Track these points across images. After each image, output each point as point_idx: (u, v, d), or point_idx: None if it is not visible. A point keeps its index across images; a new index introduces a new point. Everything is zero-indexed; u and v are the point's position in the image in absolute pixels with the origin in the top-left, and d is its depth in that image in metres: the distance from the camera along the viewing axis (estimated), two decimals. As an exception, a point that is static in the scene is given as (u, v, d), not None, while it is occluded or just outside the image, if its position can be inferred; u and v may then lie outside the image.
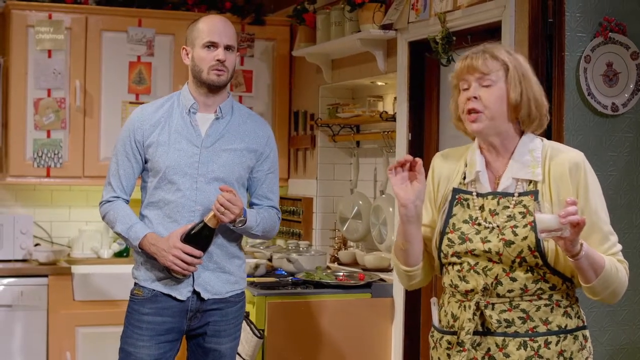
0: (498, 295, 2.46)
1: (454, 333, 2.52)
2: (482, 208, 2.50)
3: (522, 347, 2.44)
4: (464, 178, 2.57)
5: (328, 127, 5.31)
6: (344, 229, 5.15)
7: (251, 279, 4.50)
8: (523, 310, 2.45)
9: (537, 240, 2.40)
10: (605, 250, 2.47)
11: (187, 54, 3.35)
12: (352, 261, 5.09)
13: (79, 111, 5.28)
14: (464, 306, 2.50)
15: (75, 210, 5.65)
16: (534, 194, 2.46)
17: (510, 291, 2.45)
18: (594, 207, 2.46)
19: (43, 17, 5.21)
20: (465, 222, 2.50)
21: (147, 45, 5.37)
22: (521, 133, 2.53)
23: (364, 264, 4.93)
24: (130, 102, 5.35)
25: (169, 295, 3.28)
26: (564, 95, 3.41)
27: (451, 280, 2.54)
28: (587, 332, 2.56)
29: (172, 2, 5.59)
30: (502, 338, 2.46)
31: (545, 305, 2.47)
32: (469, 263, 2.48)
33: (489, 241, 2.45)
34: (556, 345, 2.46)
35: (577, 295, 2.57)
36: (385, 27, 4.51)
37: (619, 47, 3.49)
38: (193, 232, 3.20)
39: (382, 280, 4.59)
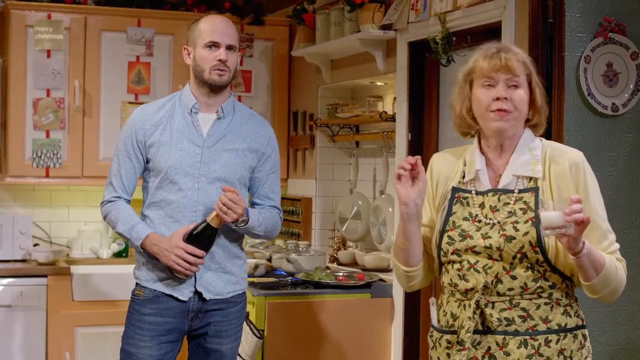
0: (498, 294, 2.46)
1: (453, 332, 2.52)
2: (482, 205, 2.51)
3: (522, 346, 2.45)
4: (463, 177, 2.59)
5: (327, 127, 5.31)
6: (344, 229, 5.15)
7: (251, 279, 4.50)
8: (523, 309, 2.46)
9: (538, 236, 2.42)
10: (603, 248, 2.49)
11: (189, 54, 3.34)
12: (351, 261, 5.09)
13: (78, 111, 5.27)
14: (464, 305, 2.51)
15: (74, 210, 5.65)
16: (534, 190, 2.48)
17: (510, 289, 2.46)
18: (593, 205, 2.49)
19: (42, 17, 5.21)
20: (465, 219, 2.51)
21: (146, 45, 5.37)
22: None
23: (363, 264, 4.93)
24: (130, 102, 5.35)
25: (171, 296, 3.28)
26: (564, 95, 3.41)
27: (451, 279, 2.54)
28: (586, 332, 2.57)
29: (171, 2, 5.59)
30: (502, 337, 2.46)
31: (545, 303, 2.48)
32: (468, 261, 2.49)
33: (490, 237, 2.46)
34: (556, 343, 2.47)
35: (576, 295, 2.58)
36: (385, 27, 4.51)
37: (618, 48, 3.50)
38: (195, 232, 3.20)
39: (381, 280, 4.59)
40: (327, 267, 5.01)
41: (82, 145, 5.29)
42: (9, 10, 5.20)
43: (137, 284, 3.35)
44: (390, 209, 4.67)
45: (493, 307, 2.47)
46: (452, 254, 2.52)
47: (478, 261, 2.48)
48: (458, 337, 2.49)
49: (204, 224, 3.20)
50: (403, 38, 4.42)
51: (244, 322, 3.96)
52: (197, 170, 3.27)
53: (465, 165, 2.60)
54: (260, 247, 5.20)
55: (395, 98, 4.63)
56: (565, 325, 2.50)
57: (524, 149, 2.53)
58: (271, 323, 4.27)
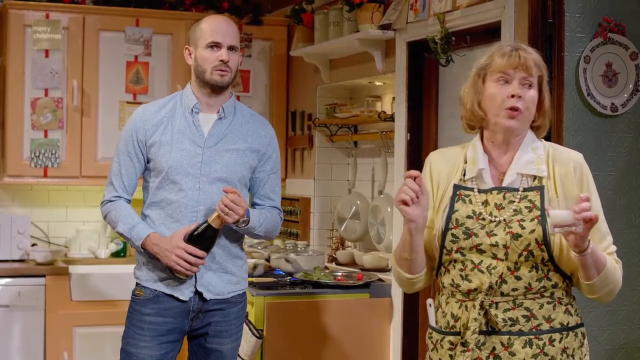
0: (502, 294, 2.47)
1: (455, 334, 2.51)
2: (485, 203, 2.51)
3: (527, 345, 2.46)
4: (464, 175, 2.57)
5: (326, 127, 5.31)
6: (342, 229, 5.15)
7: (250, 279, 4.47)
8: (527, 309, 2.47)
9: (545, 234, 2.43)
10: (603, 249, 2.50)
11: (190, 54, 3.34)
12: (350, 261, 5.09)
13: (76, 111, 5.27)
14: (465, 306, 2.50)
15: (72, 210, 5.65)
16: (540, 189, 2.49)
17: (514, 289, 2.46)
18: (596, 206, 2.51)
19: (40, 17, 5.20)
20: (469, 217, 2.50)
21: (145, 45, 5.37)
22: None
23: (362, 264, 4.93)
24: (128, 102, 5.35)
25: (171, 296, 3.28)
26: (563, 95, 3.42)
27: (452, 280, 2.53)
28: (584, 330, 2.58)
29: (169, 2, 5.58)
30: (507, 337, 2.46)
31: (548, 303, 2.49)
32: (472, 261, 2.48)
33: (496, 235, 2.46)
34: (559, 342, 2.48)
35: (573, 294, 2.59)
36: (384, 27, 4.51)
37: (618, 48, 3.50)
38: (196, 232, 3.20)
39: (380, 280, 4.59)
40: (326, 267, 5.01)
41: (80, 145, 5.28)
42: (7, 9, 5.20)
43: (137, 284, 3.35)
44: (389, 209, 4.67)
45: (497, 308, 2.47)
46: (456, 252, 2.51)
47: (482, 261, 2.47)
48: (462, 338, 2.49)
49: (205, 225, 3.20)
50: (402, 38, 4.42)
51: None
52: (198, 170, 3.27)
53: (466, 162, 2.59)
54: (259, 247, 5.20)
55: (394, 98, 4.63)
56: (567, 324, 2.51)
57: (528, 148, 2.54)
58: (270, 323, 4.27)
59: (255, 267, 4.73)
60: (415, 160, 4.40)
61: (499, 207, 2.49)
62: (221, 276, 3.32)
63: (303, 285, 4.50)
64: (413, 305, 4.44)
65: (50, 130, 5.22)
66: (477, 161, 2.55)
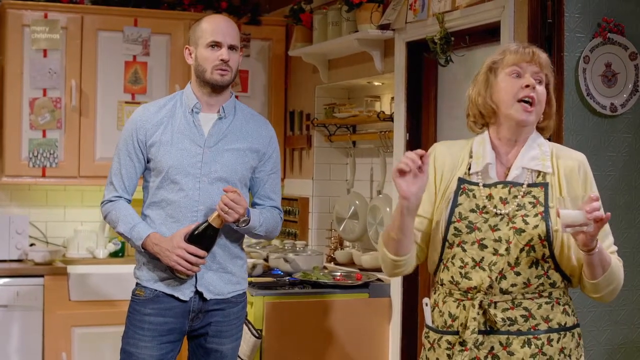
0: (501, 292, 2.47)
1: (454, 333, 2.51)
2: (489, 197, 2.50)
3: (526, 345, 2.47)
4: (469, 169, 2.57)
5: (324, 127, 5.31)
6: (341, 229, 5.15)
7: (249, 279, 4.47)
8: (525, 309, 2.48)
9: (547, 230, 2.45)
10: (604, 248, 2.50)
11: (190, 54, 3.34)
12: (348, 261, 5.09)
13: (74, 111, 5.26)
14: (463, 305, 2.50)
15: (70, 210, 5.64)
16: (544, 186, 2.50)
17: (513, 285, 2.47)
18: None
19: (39, 17, 5.20)
20: (472, 211, 2.50)
21: (143, 45, 5.36)
22: None
23: (360, 264, 4.93)
24: (126, 102, 5.34)
25: (172, 296, 3.28)
26: (563, 95, 3.42)
27: (452, 277, 2.53)
28: (580, 330, 2.59)
29: (168, 2, 5.58)
30: (505, 336, 2.47)
31: (546, 302, 2.49)
32: (473, 259, 2.48)
33: (499, 229, 2.46)
34: (557, 342, 2.50)
35: (570, 295, 2.60)
36: (383, 27, 4.51)
37: (617, 48, 3.51)
38: (197, 232, 3.20)
39: (379, 280, 4.59)
40: (325, 267, 5.01)
41: (78, 145, 5.27)
42: (6, 9, 5.19)
43: (137, 284, 3.35)
44: (388, 209, 4.67)
45: (495, 307, 2.47)
46: (458, 246, 2.50)
47: (483, 258, 2.48)
48: (460, 337, 2.49)
49: (205, 224, 3.20)
50: (401, 38, 4.42)
51: (243, 322, 3.96)
52: (199, 170, 3.27)
53: (471, 157, 2.58)
54: (257, 247, 5.19)
55: (392, 98, 4.63)
56: (565, 324, 2.52)
57: (534, 144, 2.55)
58: (269, 323, 4.27)
59: (254, 267, 4.73)
60: (415, 160, 4.39)
61: (503, 201, 2.49)
62: (221, 276, 3.32)
63: (302, 285, 4.50)
64: (412, 305, 4.45)
65: (48, 130, 5.21)
66: (485, 155, 2.55)
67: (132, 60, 5.36)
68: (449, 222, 2.51)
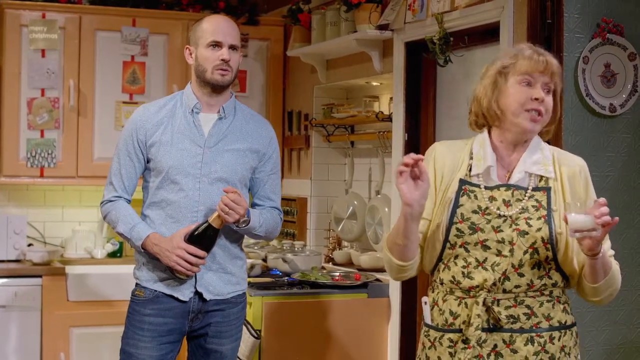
0: (504, 291, 2.47)
1: (455, 331, 2.51)
2: (492, 199, 2.50)
3: (529, 343, 2.47)
4: (470, 170, 2.57)
5: (322, 127, 5.31)
6: (339, 229, 5.15)
7: (247, 279, 4.49)
8: (527, 306, 2.48)
9: (551, 234, 2.45)
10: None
11: (191, 54, 3.33)
12: (347, 261, 5.09)
13: (72, 111, 5.26)
14: (465, 303, 2.50)
15: (68, 210, 5.63)
16: (547, 190, 2.51)
17: (517, 286, 2.47)
18: None
19: (37, 17, 5.19)
20: (474, 212, 2.50)
21: (141, 45, 5.36)
22: None
23: (359, 264, 4.93)
24: (124, 102, 5.34)
25: (171, 296, 3.27)
26: (562, 96, 3.42)
27: (453, 277, 2.53)
28: (577, 329, 2.61)
29: (166, 2, 5.58)
30: (509, 334, 2.48)
31: (547, 301, 2.51)
32: (476, 259, 2.48)
33: (502, 231, 2.47)
34: (559, 340, 2.51)
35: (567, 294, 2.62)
36: (382, 27, 4.51)
37: (616, 48, 3.51)
38: (197, 232, 3.19)
39: (378, 280, 4.59)
40: (323, 267, 5.01)
41: (76, 145, 5.27)
42: (4, 9, 5.18)
43: (137, 284, 3.34)
44: (387, 209, 4.68)
45: (498, 305, 2.48)
46: (460, 247, 2.50)
47: (486, 258, 2.48)
48: (463, 335, 2.49)
49: (205, 225, 3.19)
50: (400, 38, 4.42)
51: (241, 322, 3.96)
52: (199, 170, 3.27)
53: (471, 158, 2.58)
54: (256, 247, 5.19)
55: (391, 98, 4.63)
56: (565, 322, 2.54)
57: (536, 148, 2.56)
58: (268, 323, 4.27)
59: (252, 267, 4.73)
60: (413, 161, 4.40)
61: (507, 203, 2.50)
62: (221, 276, 3.31)
63: (301, 286, 4.50)
64: (411, 305, 4.45)
65: (46, 130, 5.21)
66: (486, 158, 2.54)
67: (130, 60, 5.36)
68: (451, 223, 2.51)
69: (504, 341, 2.48)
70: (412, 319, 4.45)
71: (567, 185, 2.53)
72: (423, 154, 4.26)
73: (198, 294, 3.28)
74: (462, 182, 2.55)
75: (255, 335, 4.13)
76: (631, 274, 3.46)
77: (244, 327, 4.03)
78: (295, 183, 5.55)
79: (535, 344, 2.47)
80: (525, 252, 2.46)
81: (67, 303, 5.01)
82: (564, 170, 2.55)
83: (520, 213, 2.48)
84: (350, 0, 4.58)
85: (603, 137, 3.49)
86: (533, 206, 2.49)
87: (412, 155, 2.41)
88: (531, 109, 2.48)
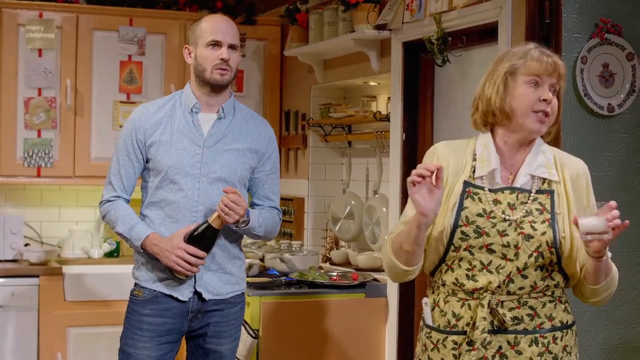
0: (508, 293, 2.47)
1: (460, 333, 2.50)
2: (496, 202, 2.50)
3: (533, 344, 2.48)
4: (473, 172, 2.55)
5: (320, 127, 5.31)
6: (337, 229, 5.15)
7: (245, 279, 4.49)
8: (531, 307, 2.49)
9: (555, 237, 2.46)
10: None
11: (190, 53, 3.33)
12: (344, 261, 5.09)
13: (69, 110, 5.25)
14: (468, 305, 2.50)
15: (65, 210, 5.63)
16: (550, 193, 2.51)
17: (521, 288, 2.48)
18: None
19: (34, 16, 5.18)
20: (479, 215, 2.49)
21: (138, 44, 5.35)
22: None
23: (356, 264, 4.93)
24: (121, 102, 5.33)
25: (170, 296, 3.27)
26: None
27: (456, 279, 2.52)
28: (576, 328, 2.62)
29: (163, 2, 5.57)
30: (513, 335, 2.48)
31: (550, 301, 2.51)
32: (481, 262, 2.48)
33: (507, 234, 2.46)
34: (561, 340, 2.52)
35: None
36: (380, 27, 4.51)
37: (614, 48, 3.52)
38: (196, 232, 3.19)
39: (375, 280, 4.59)
40: (320, 267, 5.01)
41: (73, 145, 5.26)
42: (1, 8, 5.17)
43: (136, 284, 3.34)
44: (384, 209, 4.68)
45: (502, 307, 2.48)
46: (465, 250, 2.49)
47: (491, 261, 2.47)
48: (468, 337, 2.48)
49: (205, 225, 3.19)
50: (397, 38, 4.42)
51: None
52: (198, 170, 3.26)
53: (474, 160, 2.56)
54: (253, 247, 5.19)
55: (389, 98, 4.64)
56: (567, 322, 2.55)
57: (538, 151, 2.56)
58: (266, 323, 4.26)
59: (250, 267, 4.72)
60: (411, 161, 4.40)
61: (511, 206, 2.49)
62: (220, 276, 3.31)
63: (298, 285, 4.50)
64: (408, 305, 4.45)
65: (43, 130, 5.20)
66: (490, 160, 2.53)
67: (128, 59, 5.35)
68: (456, 226, 2.49)
69: (508, 343, 2.48)
70: (410, 319, 4.46)
71: (570, 189, 2.53)
72: (421, 154, 4.29)
73: (197, 294, 3.28)
74: (466, 184, 2.53)
75: (253, 335, 4.13)
76: (629, 274, 3.47)
77: (242, 327, 4.03)
78: (293, 183, 5.55)
79: (540, 345, 2.48)
80: (530, 256, 2.46)
81: (64, 303, 5.01)
82: (567, 173, 2.55)
83: (524, 216, 2.48)
84: (348, 0, 4.57)
85: (601, 137, 3.50)
86: (537, 209, 2.49)
87: (427, 165, 2.39)
88: (539, 110, 2.48)
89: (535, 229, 2.46)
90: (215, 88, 3.30)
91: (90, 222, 5.57)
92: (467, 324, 2.50)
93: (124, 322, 3.32)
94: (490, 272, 2.47)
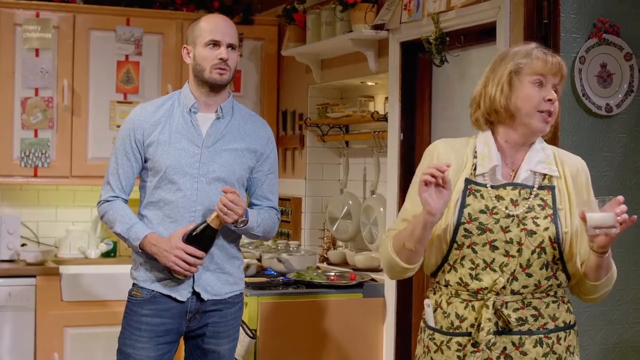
0: (512, 292, 2.47)
1: (464, 334, 2.50)
2: (498, 198, 2.50)
3: (538, 345, 2.48)
4: (474, 169, 2.55)
5: (317, 127, 5.31)
6: (334, 229, 5.15)
7: (242, 279, 4.48)
8: (535, 308, 2.49)
9: (557, 233, 2.47)
10: None
11: (189, 53, 3.33)
12: (341, 261, 5.09)
13: (66, 110, 5.24)
14: (472, 306, 2.50)
15: (62, 210, 5.62)
16: (551, 189, 2.52)
17: (525, 287, 2.47)
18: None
19: (30, 16, 5.18)
20: (482, 212, 2.49)
21: (135, 44, 5.34)
22: None
23: (354, 264, 4.93)
24: (118, 102, 5.33)
25: (169, 296, 3.26)
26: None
27: (460, 279, 2.51)
28: (577, 328, 2.63)
29: (160, 2, 5.56)
30: (518, 336, 2.48)
31: (553, 301, 2.52)
32: (484, 260, 2.48)
33: (510, 230, 2.47)
34: (564, 340, 2.53)
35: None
36: (377, 27, 4.51)
37: (613, 48, 3.52)
38: (195, 232, 3.18)
39: (373, 280, 4.59)
40: (318, 267, 5.01)
41: (70, 145, 5.26)
42: (-3, 8, 5.18)
43: (134, 285, 3.33)
44: (382, 209, 4.68)
45: (507, 307, 2.47)
46: (468, 247, 2.49)
47: (494, 259, 2.47)
48: (473, 338, 2.47)
49: (203, 225, 3.18)
50: (395, 38, 4.42)
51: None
52: (197, 170, 3.26)
53: (475, 157, 2.56)
54: (251, 247, 5.19)
55: (386, 98, 4.64)
56: (570, 322, 2.56)
57: (538, 148, 2.57)
58: (263, 323, 4.26)
59: (247, 267, 4.72)
60: (409, 161, 4.40)
61: (514, 202, 2.50)
62: (219, 276, 3.31)
63: (296, 285, 4.50)
64: (406, 305, 4.45)
65: (40, 130, 5.19)
66: (491, 157, 2.53)
67: (125, 59, 5.34)
68: (459, 224, 2.49)
69: (513, 344, 2.48)
70: (408, 319, 4.46)
71: (571, 184, 2.54)
72: (418, 154, 4.29)
73: (196, 294, 3.28)
74: (468, 181, 2.53)
75: (251, 335, 4.13)
76: (627, 274, 3.47)
77: (240, 327, 4.03)
78: (290, 183, 5.55)
79: (544, 346, 2.48)
80: (533, 252, 2.46)
81: (60, 303, 5.00)
82: (567, 169, 2.57)
83: (527, 212, 2.48)
84: (346, 0, 4.57)
85: (599, 137, 3.50)
86: (539, 205, 2.49)
87: (438, 165, 2.40)
88: (544, 110, 2.49)
89: (537, 225, 2.47)
90: (214, 88, 3.29)
91: (87, 222, 5.56)
92: (472, 325, 2.49)
93: (122, 323, 3.31)
94: (494, 270, 2.47)
